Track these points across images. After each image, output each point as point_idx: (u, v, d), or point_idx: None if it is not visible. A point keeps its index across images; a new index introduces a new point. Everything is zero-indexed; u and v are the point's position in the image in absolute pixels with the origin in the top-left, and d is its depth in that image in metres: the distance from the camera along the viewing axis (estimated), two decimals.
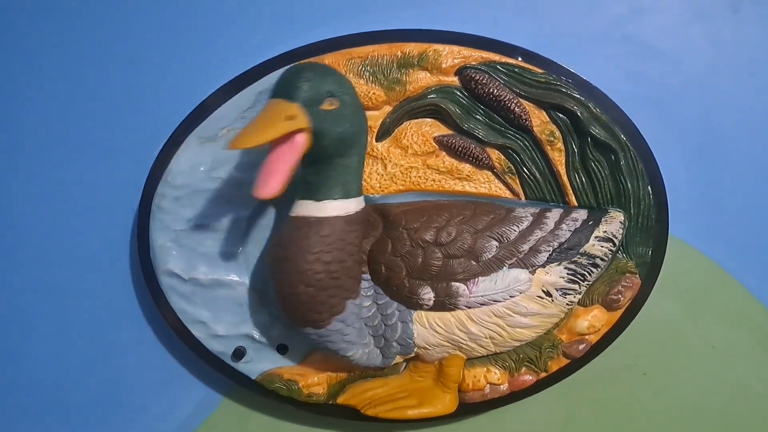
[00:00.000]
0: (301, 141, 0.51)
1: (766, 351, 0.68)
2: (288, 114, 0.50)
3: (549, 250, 0.58)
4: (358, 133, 0.55)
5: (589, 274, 0.60)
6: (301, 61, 0.58)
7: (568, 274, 0.59)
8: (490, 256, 0.57)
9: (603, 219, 0.60)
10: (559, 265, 0.58)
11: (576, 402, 0.69)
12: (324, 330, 0.57)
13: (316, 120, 0.51)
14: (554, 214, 0.59)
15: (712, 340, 0.68)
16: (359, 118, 0.55)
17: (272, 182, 0.49)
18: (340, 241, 0.54)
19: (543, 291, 0.58)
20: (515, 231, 0.58)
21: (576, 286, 0.59)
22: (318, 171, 0.54)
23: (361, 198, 0.57)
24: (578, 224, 0.59)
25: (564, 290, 0.59)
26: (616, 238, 0.60)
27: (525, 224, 0.58)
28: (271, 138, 0.49)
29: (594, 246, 0.59)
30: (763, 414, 0.68)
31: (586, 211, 0.60)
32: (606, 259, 0.60)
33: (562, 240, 0.58)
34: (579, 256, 0.59)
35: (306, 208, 0.54)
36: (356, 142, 0.55)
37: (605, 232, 0.59)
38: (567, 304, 0.60)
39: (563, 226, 0.59)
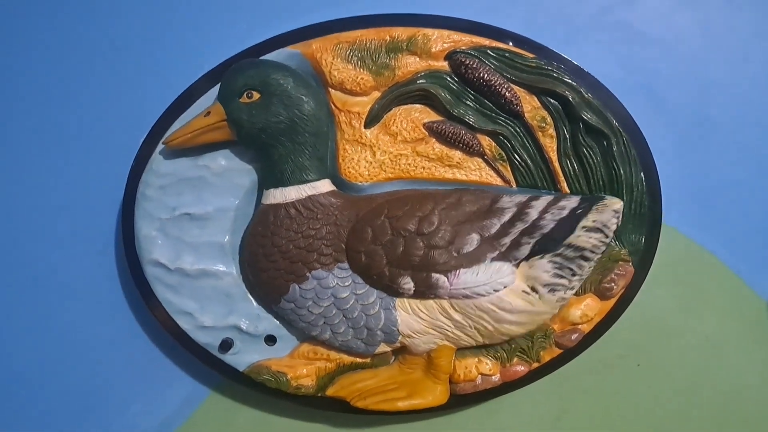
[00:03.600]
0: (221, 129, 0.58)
1: (760, 342, 0.67)
2: (207, 111, 0.58)
3: (531, 242, 0.56)
4: (290, 122, 0.57)
5: (579, 268, 0.57)
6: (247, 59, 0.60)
7: (553, 268, 0.56)
8: (471, 249, 0.56)
9: (594, 207, 0.57)
10: (542, 258, 0.57)
11: (569, 393, 0.68)
12: (278, 307, 0.60)
13: (233, 112, 0.57)
14: (540, 203, 0.57)
15: (706, 330, 0.67)
16: (291, 108, 0.57)
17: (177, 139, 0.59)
18: (275, 227, 0.58)
19: (528, 286, 0.57)
20: (496, 225, 0.56)
21: (564, 281, 0.57)
22: (261, 161, 0.60)
23: (312, 185, 0.58)
24: (565, 213, 0.56)
25: (551, 286, 0.57)
26: (608, 228, 0.57)
27: (507, 216, 0.56)
28: (190, 131, 0.58)
29: (579, 237, 0.56)
30: (757, 406, 0.67)
31: (578, 198, 0.58)
32: (596, 251, 0.57)
33: (545, 231, 0.56)
34: (564, 248, 0.56)
35: (263, 197, 0.60)
36: (287, 130, 0.57)
37: (594, 221, 0.57)
38: (557, 301, 0.58)
39: (547, 215, 0.56)
